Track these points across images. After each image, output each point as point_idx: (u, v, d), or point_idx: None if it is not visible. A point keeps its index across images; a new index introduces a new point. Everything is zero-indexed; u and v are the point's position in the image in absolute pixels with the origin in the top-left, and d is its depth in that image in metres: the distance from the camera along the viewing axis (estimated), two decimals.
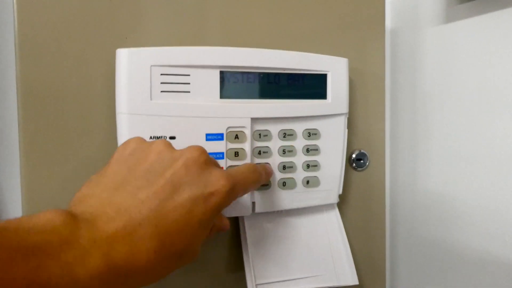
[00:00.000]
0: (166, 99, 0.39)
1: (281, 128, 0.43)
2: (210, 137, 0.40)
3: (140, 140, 0.34)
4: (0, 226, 0.23)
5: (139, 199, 0.28)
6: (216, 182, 0.31)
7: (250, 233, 0.44)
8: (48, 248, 0.23)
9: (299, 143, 0.44)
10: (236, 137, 0.41)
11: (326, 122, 0.45)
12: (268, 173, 0.41)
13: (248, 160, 0.42)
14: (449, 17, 0.56)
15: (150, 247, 0.27)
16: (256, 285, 0.42)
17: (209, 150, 0.40)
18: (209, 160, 0.33)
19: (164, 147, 0.32)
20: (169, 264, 0.29)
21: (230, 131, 0.41)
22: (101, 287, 0.25)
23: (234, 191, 0.33)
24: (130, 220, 0.27)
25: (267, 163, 0.43)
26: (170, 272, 0.30)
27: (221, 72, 0.41)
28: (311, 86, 0.44)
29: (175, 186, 0.30)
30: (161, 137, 0.39)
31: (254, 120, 0.42)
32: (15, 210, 0.63)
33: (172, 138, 0.39)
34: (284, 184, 0.44)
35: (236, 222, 0.45)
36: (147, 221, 0.28)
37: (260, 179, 0.39)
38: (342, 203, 0.50)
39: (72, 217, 0.26)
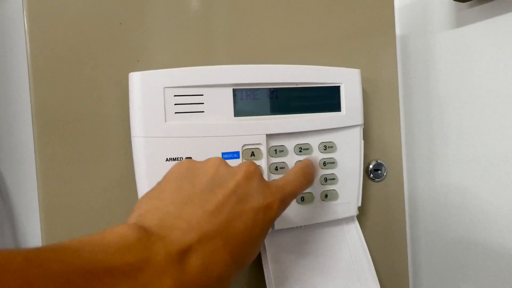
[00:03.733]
0: (180, 120, 0.39)
1: (297, 143, 0.43)
2: (226, 155, 0.40)
3: (192, 160, 0.34)
4: (75, 247, 0.22)
5: (208, 211, 0.28)
6: (273, 194, 0.32)
7: (270, 251, 0.44)
8: (125, 268, 0.22)
9: (316, 157, 0.44)
10: (252, 154, 0.41)
11: (341, 135, 0.45)
12: (315, 169, 0.40)
13: (265, 177, 0.41)
14: (460, 21, 0.55)
15: (222, 259, 0.27)
16: None
17: None
18: (262, 174, 0.34)
19: (221, 162, 0.33)
20: (234, 274, 0.29)
21: (246, 149, 0.41)
22: None
23: (285, 203, 0.34)
24: (203, 232, 0.27)
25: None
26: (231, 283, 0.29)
27: (234, 90, 0.41)
28: (325, 99, 0.44)
29: (239, 196, 0.30)
30: (177, 158, 0.39)
31: (269, 136, 0.41)
32: (34, 236, 0.63)
33: (189, 158, 0.39)
34: (302, 199, 0.43)
35: None
36: (218, 233, 0.28)
37: (308, 182, 0.38)
38: (362, 215, 0.50)
39: (145, 232, 0.25)
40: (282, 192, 0.33)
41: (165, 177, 0.32)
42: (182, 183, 0.31)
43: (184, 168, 0.32)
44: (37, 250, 0.20)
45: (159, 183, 0.32)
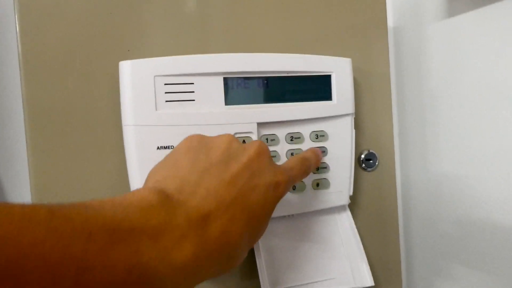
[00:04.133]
0: (171, 108, 0.39)
1: (288, 132, 0.43)
2: None
3: (202, 135, 0.34)
4: (98, 206, 0.22)
5: (225, 181, 0.29)
6: (282, 173, 0.33)
7: (262, 239, 0.44)
8: (147, 230, 0.23)
9: (307, 146, 0.44)
10: (244, 142, 0.41)
11: (333, 124, 0.45)
12: (317, 156, 0.42)
13: None
14: (451, 11, 0.55)
15: (239, 227, 0.28)
16: None
17: None
18: (271, 154, 0.35)
19: (233, 138, 0.33)
20: (248, 245, 0.30)
21: (237, 137, 0.41)
22: (193, 271, 0.25)
23: (290, 184, 0.34)
24: (222, 200, 0.28)
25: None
26: (241, 260, 0.30)
27: (225, 79, 0.41)
28: (316, 87, 0.44)
29: (252, 171, 0.31)
30: (168, 147, 0.39)
31: (260, 125, 0.42)
32: None
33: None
34: (294, 187, 0.43)
35: None
36: (235, 202, 0.28)
37: (309, 169, 0.39)
38: (354, 205, 0.50)
39: (166, 196, 0.25)
40: (288, 174, 0.34)
41: (177, 150, 0.32)
42: (197, 154, 0.31)
43: (196, 141, 0.33)
44: (60, 205, 0.21)
45: (169, 155, 0.32)
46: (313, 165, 0.40)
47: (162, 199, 0.25)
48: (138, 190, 0.25)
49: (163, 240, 0.23)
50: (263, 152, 0.33)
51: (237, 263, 0.29)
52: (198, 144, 0.32)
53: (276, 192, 0.32)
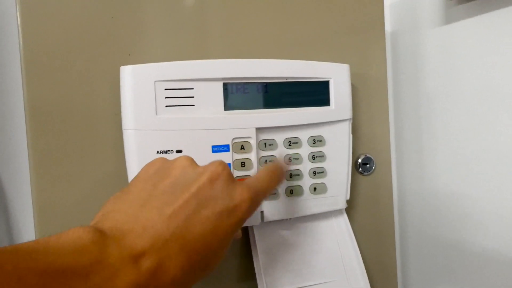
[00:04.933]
0: (171, 113, 0.39)
1: (286, 137, 0.44)
2: (216, 148, 0.40)
3: (164, 159, 0.34)
4: (30, 249, 0.22)
5: (165, 215, 0.28)
6: (240, 196, 0.31)
7: (260, 242, 0.44)
8: (79, 269, 0.23)
9: (305, 150, 0.45)
10: (242, 147, 0.41)
11: (330, 129, 0.45)
12: (285, 167, 0.40)
13: (254, 170, 0.42)
14: (448, 18, 0.56)
15: (177, 264, 0.27)
16: None
17: None
18: (231, 175, 0.33)
19: (188, 163, 0.32)
20: (194, 278, 0.29)
21: (235, 142, 0.41)
22: None
23: (256, 202, 0.33)
24: (157, 236, 0.27)
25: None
26: (192, 285, 0.30)
27: (224, 84, 0.41)
28: (314, 93, 0.45)
29: (201, 200, 0.30)
30: (168, 151, 0.39)
31: (259, 130, 0.42)
32: (28, 231, 0.64)
33: (179, 151, 0.39)
34: (291, 192, 0.44)
35: (246, 232, 0.45)
36: (174, 237, 0.27)
37: (280, 180, 0.38)
38: (350, 208, 0.51)
39: (100, 234, 0.25)
40: (251, 191, 0.32)
41: (135, 178, 0.33)
42: (146, 185, 0.31)
43: (153, 168, 0.32)
44: None
45: (128, 184, 0.32)
46: (282, 177, 0.39)
47: (96, 238, 0.25)
48: (74, 230, 0.25)
49: (94, 278, 0.23)
50: (217, 176, 0.31)
51: None
52: (153, 172, 0.32)
53: (233, 217, 0.30)
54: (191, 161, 0.33)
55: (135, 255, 0.26)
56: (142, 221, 0.28)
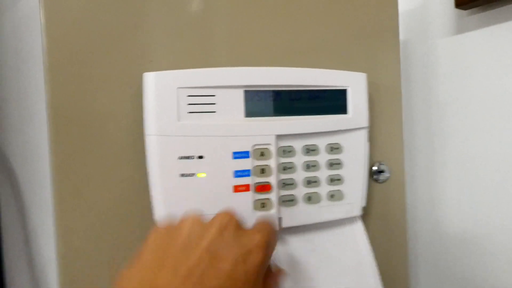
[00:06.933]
0: (193, 119, 0.40)
1: (305, 144, 0.44)
2: (237, 155, 0.41)
3: (167, 225, 0.34)
4: None
5: (181, 276, 0.28)
6: (251, 240, 0.32)
7: (277, 249, 0.44)
8: None
9: (322, 157, 0.45)
10: (262, 154, 0.42)
11: (347, 136, 0.46)
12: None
13: (274, 176, 0.42)
14: (460, 28, 0.57)
15: None
16: None
17: (236, 168, 0.41)
18: (240, 222, 0.33)
19: (194, 220, 0.33)
20: None
21: (256, 149, 0.42)
22: None
23: (271, 243, 0.33)
24: None
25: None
26: None
27: (245, 91, 0.42)
28: (332, 101, 0.45)
29: (212, 254, 0.30)
30: (189, 157, 0.39)
31: (278, 137, 0.43)
32: (45, 235, 0.64)
33: (201, 157, 0.40)
34: (309, 198, 0.44)
35: None
36: None
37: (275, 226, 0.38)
38: (364, 215, 0.51)
39: None
40: (265, 234, 0.33)
41: (144, 247, 0.33)
42: (156, 252, 0.31)
43: (159, 236, 0.33)
44: None
45: (139, 253, 0.33)
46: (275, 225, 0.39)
47: None
48: None
49: None
50: (225, 226, 0.32)
51: None
52: (161, 238, 0.32)
53: (251, 262, 0.30)
54: (197, 218, 0.33)
55: None
56: (159, 284, 0.28)
